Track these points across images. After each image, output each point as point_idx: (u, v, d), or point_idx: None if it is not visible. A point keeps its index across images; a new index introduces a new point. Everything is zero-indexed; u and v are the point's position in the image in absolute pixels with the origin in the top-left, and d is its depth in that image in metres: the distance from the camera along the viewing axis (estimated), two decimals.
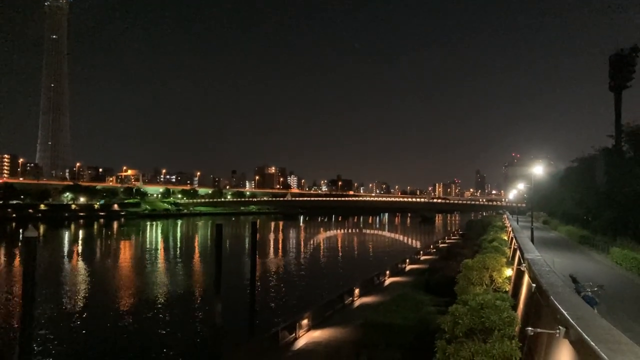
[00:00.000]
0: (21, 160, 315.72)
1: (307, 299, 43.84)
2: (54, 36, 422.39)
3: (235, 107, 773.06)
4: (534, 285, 13.89)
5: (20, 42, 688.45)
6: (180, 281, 56.57)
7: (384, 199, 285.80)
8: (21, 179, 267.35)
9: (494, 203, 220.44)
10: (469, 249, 53.67)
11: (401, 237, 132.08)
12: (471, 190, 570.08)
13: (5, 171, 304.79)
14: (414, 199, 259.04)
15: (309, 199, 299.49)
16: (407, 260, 61.50)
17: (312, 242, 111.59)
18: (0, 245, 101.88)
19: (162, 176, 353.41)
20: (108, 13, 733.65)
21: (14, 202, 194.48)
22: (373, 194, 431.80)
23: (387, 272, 51.08)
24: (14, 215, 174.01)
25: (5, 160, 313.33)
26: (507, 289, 20.79)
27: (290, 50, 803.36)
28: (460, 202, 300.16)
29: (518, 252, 22.68)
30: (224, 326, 35.89)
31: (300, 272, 64.30)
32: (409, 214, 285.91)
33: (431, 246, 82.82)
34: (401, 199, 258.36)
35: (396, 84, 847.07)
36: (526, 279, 16.85)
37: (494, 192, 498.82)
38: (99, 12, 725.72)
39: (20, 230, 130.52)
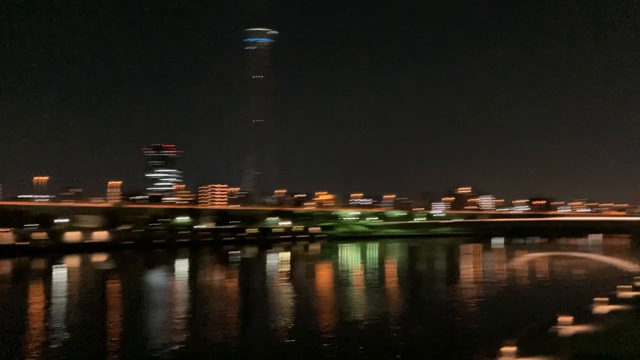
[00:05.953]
0: (231, 189, 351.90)
1: (509, 325, 41.79)
2: (259, 76, 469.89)
3: (425, 127, 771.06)
4: None
5: (227, 79, 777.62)
6: (381, 300, 57.84)
7: (592, 218, 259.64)
8: (235, 205, 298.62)
9: None
10: None
11: (617, 262, 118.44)
12: None
13: (220, 199, 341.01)
14: (628, 218, 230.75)
15: (504, 219, 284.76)
16: (631, 287, 55.10)
17: (511, 264, 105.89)
18: (217, 265, 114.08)
19: (355, 200, 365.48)
20: (307, 47, 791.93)
21: (232, 225, 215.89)
22: (578, 213, 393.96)
23: (604, 299, 46.37)
24: (227, 238, 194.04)
25: (220, 189, 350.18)
26: None
27: (480, 65, 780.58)
28: None
29: None
30: (420, 349, 35.92)
31: (501, 296, 61.45)
32: (627, 235, 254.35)
33: None
34: (613, 218, 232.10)
35: (601, 90, 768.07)
36: None
37: None
38: (298, 47, 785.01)
39: (235, 252, 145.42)
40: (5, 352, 35.86)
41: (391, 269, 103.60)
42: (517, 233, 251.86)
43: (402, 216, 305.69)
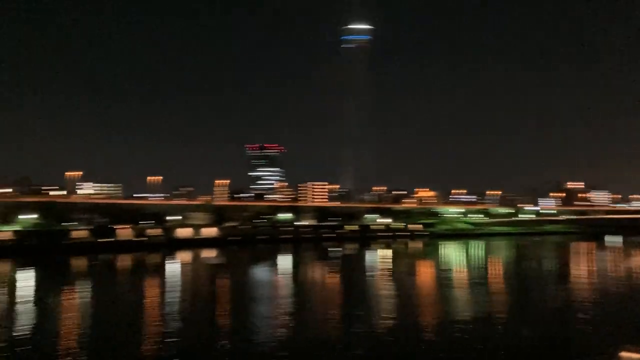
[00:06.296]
0: (331, 186, 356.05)
1: (629, 329, 39.35)
2: (353, 76, 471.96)
3: (527, 121, 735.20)
4: None
5: (326, 78, 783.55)
6: (490, 300, 56.56)
7: None
8: (334, 202, 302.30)
9: None
10: None
11: None
12: None
13: (320, 196, 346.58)
14: None
15: (620, 216, 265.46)
16: None
17: (629, 264, 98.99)
18: (319, 260, 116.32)
19: (457, 197, 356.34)
20: (404, 44, 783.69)
21: (331, 222, 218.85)
22: None
23: None
24: (327, 234, 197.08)
25: (319, 186, 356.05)
26: None
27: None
28: None
29: None
30: (532, 351, 34.78)
31: (619, 298, 57.72)
32: None
33: None
34: None
35: None
36: None
37: None
38: (395, 44, 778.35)
39: (335, 248, 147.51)
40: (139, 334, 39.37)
41: (499, 267, 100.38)
42: (635, 230, 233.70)
43: (507, 213, 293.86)
